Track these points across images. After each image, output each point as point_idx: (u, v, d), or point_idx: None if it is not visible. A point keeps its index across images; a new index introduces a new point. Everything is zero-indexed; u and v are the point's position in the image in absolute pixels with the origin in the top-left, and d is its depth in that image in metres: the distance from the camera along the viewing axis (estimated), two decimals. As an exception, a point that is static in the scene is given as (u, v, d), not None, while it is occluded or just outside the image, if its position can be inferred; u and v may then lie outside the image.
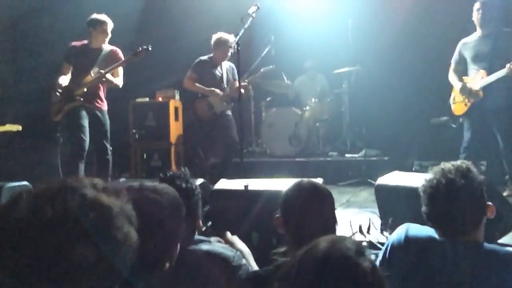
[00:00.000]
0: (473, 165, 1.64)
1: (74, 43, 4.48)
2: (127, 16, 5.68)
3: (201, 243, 1.75)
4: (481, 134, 4.09)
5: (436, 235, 1.61)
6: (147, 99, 6.18)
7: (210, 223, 2.63)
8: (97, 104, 4.39)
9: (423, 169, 4.94)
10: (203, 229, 2.14)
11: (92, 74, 4.28)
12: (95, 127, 4.38)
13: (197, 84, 4.99)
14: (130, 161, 6.05)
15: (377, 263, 1.74)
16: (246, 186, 2.68)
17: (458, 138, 4.35)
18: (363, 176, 4.99)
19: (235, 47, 4.02)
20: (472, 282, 1.49)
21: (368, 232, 2.73)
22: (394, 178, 2.82)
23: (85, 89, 4.28)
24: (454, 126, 4.59)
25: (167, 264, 1.38)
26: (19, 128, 4.71)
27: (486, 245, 1.60)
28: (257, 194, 2.57)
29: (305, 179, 1.71)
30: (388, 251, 1.67)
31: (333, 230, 1.65)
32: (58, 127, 4.66)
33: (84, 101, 4.29)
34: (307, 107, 6.01)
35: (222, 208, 2.70)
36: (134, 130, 5.95)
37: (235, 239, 2.15)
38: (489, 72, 3.94)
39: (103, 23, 4.36)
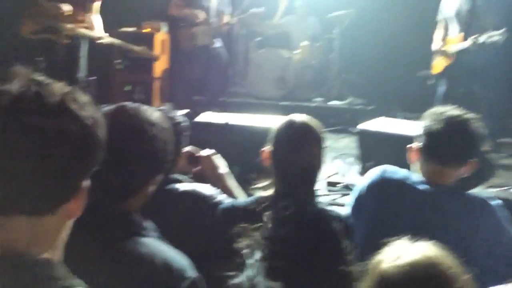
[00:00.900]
0: None
1: None
2: None
3: (177, 183, 1.74)
4: (455, 92, 4.04)
5: (411, 178, 1.64)
6: (132, 29, 5.95)
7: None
8: None
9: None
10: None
11: None
12: None
13: (184, 10, 4.78)
14: (113, 92, 5.93)
15: (351, 199, 1.79)
16: (226, 122, 2.65)
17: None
18: (347, 124, 5.01)
19: None
20: (447, 225, 1.53)
21: (346, 174, 2.78)
22: (379, 124, 2.83)
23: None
24: (429, 83, 4.53)
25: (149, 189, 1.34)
26: None
27: (460, 190, 1.65)
28: (239, 129, 2.55)
29: (299, 117, 1.68)
30: (364, 188, 1.70)
31: (316, 171, 1.66)
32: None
33: None
34: (297, 50, 5.89)
35: (202, 140, 2.68)
36: (117, 61, 5.78)
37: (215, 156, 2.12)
38: (466, 36, 3.80)
39: None
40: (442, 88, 4.11)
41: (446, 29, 4.10)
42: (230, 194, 1.99)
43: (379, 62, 5.76)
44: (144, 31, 5.93)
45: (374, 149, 2.69)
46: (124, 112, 1.23)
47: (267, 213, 1.46)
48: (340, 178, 2.69)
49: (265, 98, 5.79)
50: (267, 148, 1.66)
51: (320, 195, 2.53)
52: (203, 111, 3.82)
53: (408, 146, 1.71)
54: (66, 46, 4.20)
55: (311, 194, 1.59)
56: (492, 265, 1.47)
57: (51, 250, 0.82)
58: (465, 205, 1.58)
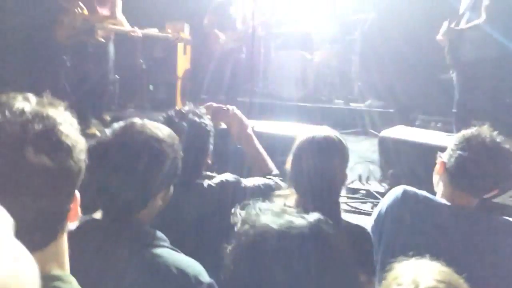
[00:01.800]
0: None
1: None
2: None
3: (206, 179, 1.80)
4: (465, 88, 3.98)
5: (434, 200, 1.64)
6: (155, 29, 6.06)
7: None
8: None
9: (425, 124, 4.98)
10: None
11: None
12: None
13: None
14: (136, 91, 6.06)
15: (373, 220, 1.80)
16: (252, 127, 2.71)
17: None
18: (366, 126, 5.04)
19: None
20: (469, 247, 1.53)
21: (367, 181, 2.82)
22: (399, 132, 2.86)
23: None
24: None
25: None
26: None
27: (483, 213, 1.63)
28: (263, 135, 2.60)
29: (320, 131, 1.70)
30: (383, 209, 1.70)
31: (339, 185, 1.67)
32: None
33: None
34: (317, 52, 5.93)
35: (225, 146, 2.75)
36: (141, 61, 5.90)
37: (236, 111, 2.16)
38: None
39: None
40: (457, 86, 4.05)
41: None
42: (257, 153, 2.05)
43: (399, 64, 5.74)
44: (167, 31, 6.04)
45: (394, 157, 2.73)
46: (131, 130, 1.27)
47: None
48: (361, 184, 2.74)
49: (285, 99, 5.84)
50: (290, 159, 1.69)
51: (341, 202, 2.58)
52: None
53: (439, 158, 1.68)
54: (96, 47, 4.34)
55: (335, 207, 1.60)
56: None
57: (63, 264, 0.86)
58: (490, 228, 1.58)
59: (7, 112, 0.75)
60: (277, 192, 1.88)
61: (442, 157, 1.66)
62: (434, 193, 1.71)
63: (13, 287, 0.48)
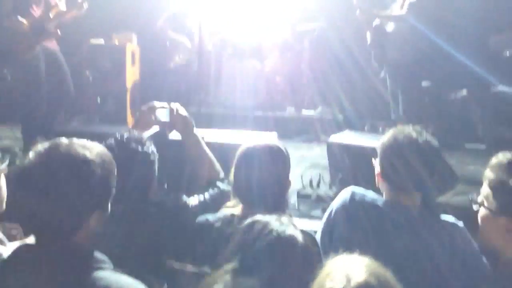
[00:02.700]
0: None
1: None
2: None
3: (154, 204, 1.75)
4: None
5: (380, 201, 1.68)
6: (102, 40, 5.91)
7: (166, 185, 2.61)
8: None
9: (373, 129, 5.13)
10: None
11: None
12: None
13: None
14: (83, 104, 5.85)
15: (323, 223, 1.82)
16: (202, 138, 2.67)
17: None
18: (318, 132, 5.12)
19: None
20: (410, 244, 1.56)
21: (317, 186, 2.85)
22: (346, 137, 2.92)
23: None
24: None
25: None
26: None
27: (426, 212, 1.68)
28: (213, 146, 2.57)
29: (262, 139, 1.72)
30: (333, 212, 1.73)
31: (284, 190, 1.69)
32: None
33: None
34: (268, 61, 5.98)
35: (179, 158, 2.70)
36: (87, 72, 5.72)
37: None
38: None
39: None
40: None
41: None
42: (204, 155, 2.04)
43: (346, 71, 5.90)
44: (114, 42, 5.91)
45: (342, 161, 2.78)
46: (55, 151, 1.22)
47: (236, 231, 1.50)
48: (311, 190, 2.76)
49: (238, 108, 5.84)
50: (232, 169, 1.69)
51: (292, 208, 2.60)
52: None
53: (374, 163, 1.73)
54: (46, 55, 4.08)
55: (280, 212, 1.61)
56: (466, 279, 1.53)
57: None
58: (435, 227, 1.62)
59: None
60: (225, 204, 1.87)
61: (375, 164, 1.70)
62: (381, 193, 1.75)
63: None
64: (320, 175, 2.93)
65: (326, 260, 1.56)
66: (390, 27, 3.80)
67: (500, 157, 1.42)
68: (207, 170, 2.05)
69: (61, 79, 4.18)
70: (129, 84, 5.81)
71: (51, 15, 3.97)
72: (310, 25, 5.78)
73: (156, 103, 2.13)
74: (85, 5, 3.96)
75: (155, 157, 1.76)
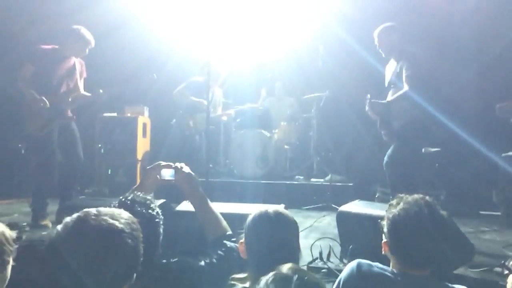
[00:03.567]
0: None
1: (44, 46, 4.21)
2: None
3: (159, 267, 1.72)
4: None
5: (388, 271, 1.63)
6: (115, 113, 6.10)
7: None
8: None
9: (385, 196, 5.05)
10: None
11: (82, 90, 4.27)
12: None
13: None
14: (94, 176, 5.93)
15: None
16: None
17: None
18: (328, 201, 5.06)
19: None
20: None
21: (328, 259, 2.76)
22: (356, 207, 2.87)
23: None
24: None
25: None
26: None
27: (437, 282, 1.63)
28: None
29: (270, 207, 1.72)
30: (341, 283, 1.68)
31: (295, 258, 1.66)
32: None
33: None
34: (276, 130, 6.08)
35: (183, 228, 2.68)
36: (100, 145, 5.84)
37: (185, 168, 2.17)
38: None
39: (87, 42, 4.24)
40: None
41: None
42: (211, 213, 2.03)
43: (356, 138, 5.94)
44: (127, 115, 6.10)
45: (352, 232, 2.71)
46: (85, 224, 1.18)
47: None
48: (322, 263, 2.67)
49: (247, 177, 5.85)
50: (242, 241, 1.67)
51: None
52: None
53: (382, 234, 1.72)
54: (60, 129, 4.23)
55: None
56: None
57: None
58: None
59: None
60: (234, 275, 1.82)
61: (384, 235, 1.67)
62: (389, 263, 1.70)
63: None
64: (330, 247, 2.85)
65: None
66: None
67: None
68: (213, 227, 2.04)
69: (72, 147, 4.29)
70: (139, 155, 5.91)
71: (70, 99, 4.19)
72: (316, 94, 5.93)
73: (161, 163, 2.16)
74: (102, 93, 4.21)
75: (160, 219, 1.73)
